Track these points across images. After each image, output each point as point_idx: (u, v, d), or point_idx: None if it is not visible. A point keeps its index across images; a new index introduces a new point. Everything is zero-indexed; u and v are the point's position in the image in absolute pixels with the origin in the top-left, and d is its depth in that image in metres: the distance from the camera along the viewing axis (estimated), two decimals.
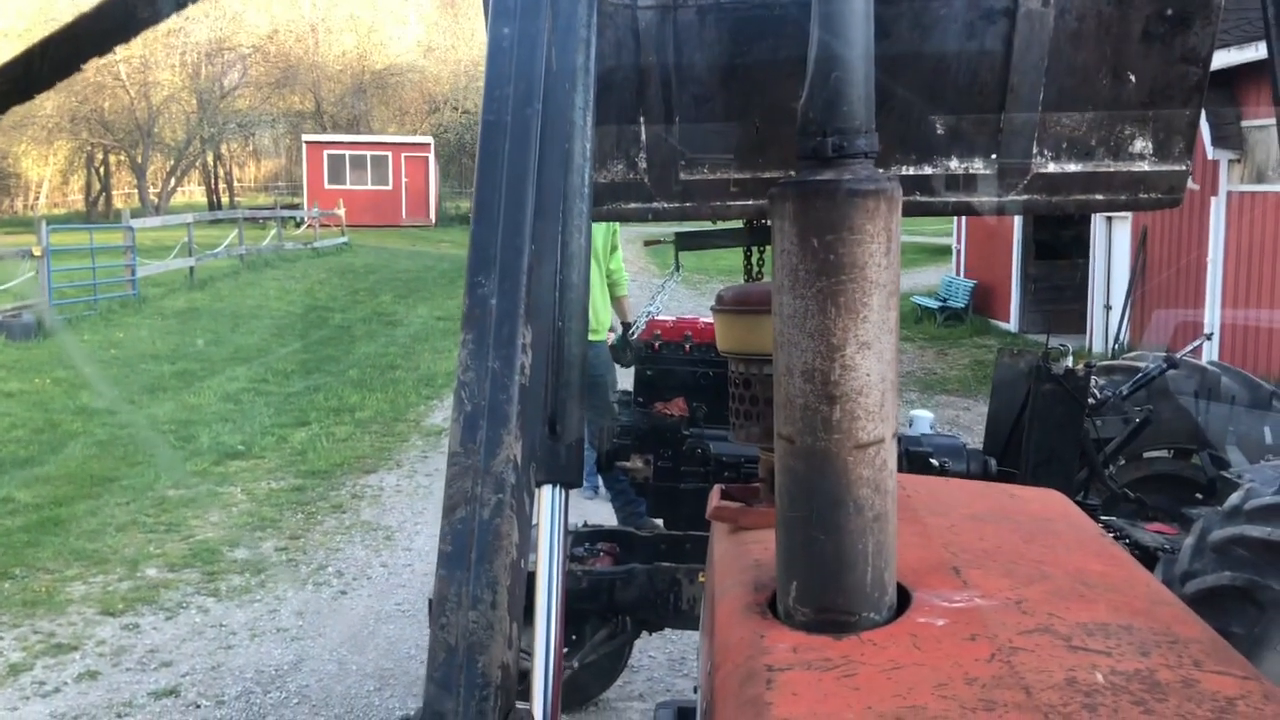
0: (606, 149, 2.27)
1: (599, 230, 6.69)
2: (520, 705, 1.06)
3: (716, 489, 1.95)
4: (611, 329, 6.98)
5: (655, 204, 2.32)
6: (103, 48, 1.17)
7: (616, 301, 7.10)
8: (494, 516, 1.05)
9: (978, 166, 2.19)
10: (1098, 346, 15.19)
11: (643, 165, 2.28)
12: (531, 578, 1.15)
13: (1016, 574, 1.43)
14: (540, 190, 1.22)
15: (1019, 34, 2.07)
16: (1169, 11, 2.04)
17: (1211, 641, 1.23)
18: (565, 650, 4.62)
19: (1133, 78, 2.10)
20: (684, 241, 4.17)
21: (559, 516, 1.24)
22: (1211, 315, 12.67)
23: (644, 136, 2.25)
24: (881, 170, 1.26)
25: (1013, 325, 17.96)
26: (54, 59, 1.14)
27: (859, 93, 1.23)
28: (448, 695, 1.00)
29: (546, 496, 1.23)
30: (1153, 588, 1.42)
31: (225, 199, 50.03)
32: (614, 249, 7.06)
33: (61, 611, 6.32)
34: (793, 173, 1.28)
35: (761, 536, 1.63)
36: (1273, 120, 10.58)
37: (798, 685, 1.14)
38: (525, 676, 1.13)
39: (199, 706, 5.22)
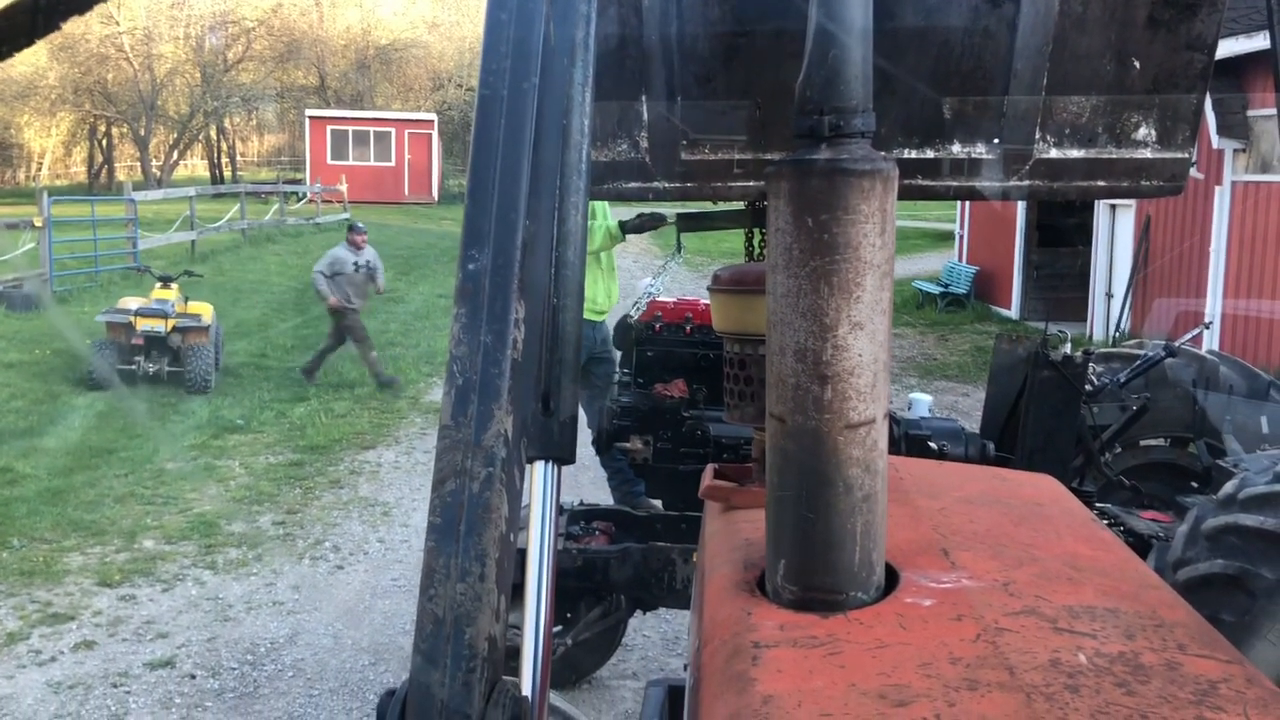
0: (609, 128, 2.26)
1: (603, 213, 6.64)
2: (507, 679, 1.06)
3: (710, 468, 1.96)
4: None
5: (656, 183, 2.32)
6: None
7: None
8: (483, 490, 1.05)
9: (980, 151, 2.19)
10: (1099, 334, 15.19)
11: (644, 144, 2.28)
12: (522, 554, 1.15)
13: (1005, 556, 1.43)
14: (536, 166, 1.21)
15: (1023, 17, 2.06)
16: None
17: (1197, 626, 1.24)
18: (560, 628, 4.65)
19: (1137, 64, 2.10)
20: (685, 223, 4.16)
21: (551, 493, 1.23)
22: (1212, 304, 12.66)
23: (646, 115, 2.24)
24: (879, 151, 1.26)
25: (1014, 312, 17.94)
26: (55, 3, 1.13)
27: (856, 72, 1.23)
28: (434, 667, 1.00)
29: (539, 473, 1.23)
30: (1141, 572, 1.42)
31: (228, 173, 49.91)
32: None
33: (59, 581, 6.35)
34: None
35: (753, 515, 1.64)
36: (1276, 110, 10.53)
37: (783, 662, 1.15)
38: (516, 653, 1.13)
39: (194, 678, 5.24)
